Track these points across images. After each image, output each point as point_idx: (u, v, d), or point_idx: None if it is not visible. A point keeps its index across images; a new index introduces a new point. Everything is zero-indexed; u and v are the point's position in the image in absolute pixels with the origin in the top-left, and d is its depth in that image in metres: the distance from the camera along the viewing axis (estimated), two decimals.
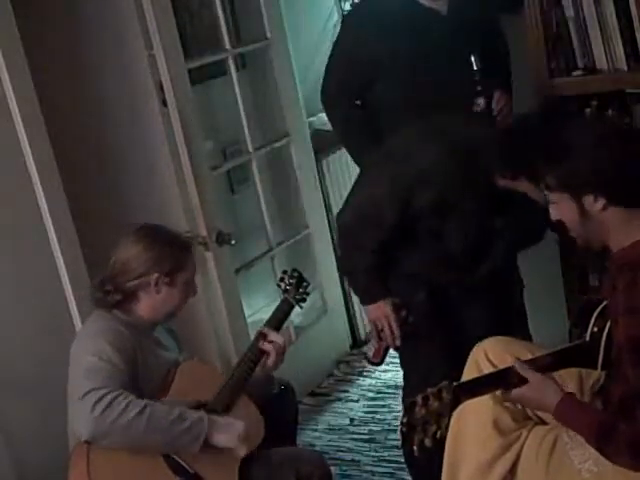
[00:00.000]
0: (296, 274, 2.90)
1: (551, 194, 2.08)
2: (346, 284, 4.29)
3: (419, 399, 2.02)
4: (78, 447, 2.33)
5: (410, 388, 3.06)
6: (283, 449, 2.72)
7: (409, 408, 2.02)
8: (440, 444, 2.18)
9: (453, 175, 2.53)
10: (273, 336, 2.70)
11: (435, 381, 2.93)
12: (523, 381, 2.10)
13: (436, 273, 2.76)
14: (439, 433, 2.02)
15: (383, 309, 2.80)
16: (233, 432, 2.42)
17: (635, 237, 2.02)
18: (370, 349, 2.94)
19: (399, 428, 2.06)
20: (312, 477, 2.61)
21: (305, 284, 2.91)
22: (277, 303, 2.89)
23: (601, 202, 2.01)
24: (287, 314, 2.86)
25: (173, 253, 2.55)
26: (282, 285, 2.88)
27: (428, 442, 2.01)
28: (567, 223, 2.09)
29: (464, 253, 2.68)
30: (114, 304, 2.53)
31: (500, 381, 2.13)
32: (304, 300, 2.91)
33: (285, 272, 2.94)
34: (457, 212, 2.60)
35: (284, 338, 2.73)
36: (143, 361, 2.47)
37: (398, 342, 2.84)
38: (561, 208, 2.07)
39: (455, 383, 2.11)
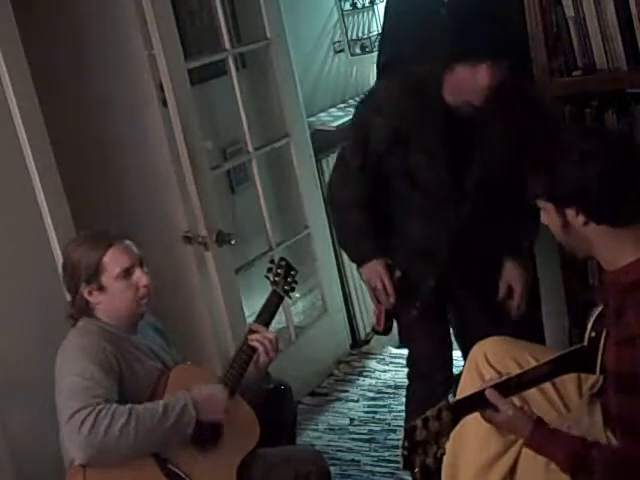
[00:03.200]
0: (283, 263, 2.80)
1: (538, 200, 2.09)
2: (346, 284, 4.30)
3: (419, 422, 2.00)
4: (74, 465, 2.32)
5: (412, 387, 3.08)
6: (281, 448, 2.72)
7: (410, 432, 2.00)
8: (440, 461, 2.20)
9: (405, 108, 2.65)
10: (263, 332, 2.62)
11: (438, 378, 2.97)
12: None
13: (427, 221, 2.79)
14: (440, 452, 2.02)
15: (375, 267, 2.83)
16: (218, 407, 2.44)
17: (627, 259, 2.01)
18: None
19: (400, 452, 2.03)
20: (310, 475, 2.61)
21: (293, 272, 2.79)
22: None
23: (582, 217, 2.00)
24: (277, 307, 2.75)
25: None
26: (270, 277, 2.77)
27: (430, 462, 2.01)
28: (552, 230, 2.09)
29: (441, 187, 2.73)
30: (78, 316, 2.52)
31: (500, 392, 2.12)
32: (293, 290, 2.79)
33: (272, 262, 2.86)
34: (418, 148, 2.67)
35: (275, 334, 2.65)
36: (128, 369, 2.44)
37: (392, 300, 2.83)
38: (547, 215, 2.08)
39: (453, 401, 2.10)
